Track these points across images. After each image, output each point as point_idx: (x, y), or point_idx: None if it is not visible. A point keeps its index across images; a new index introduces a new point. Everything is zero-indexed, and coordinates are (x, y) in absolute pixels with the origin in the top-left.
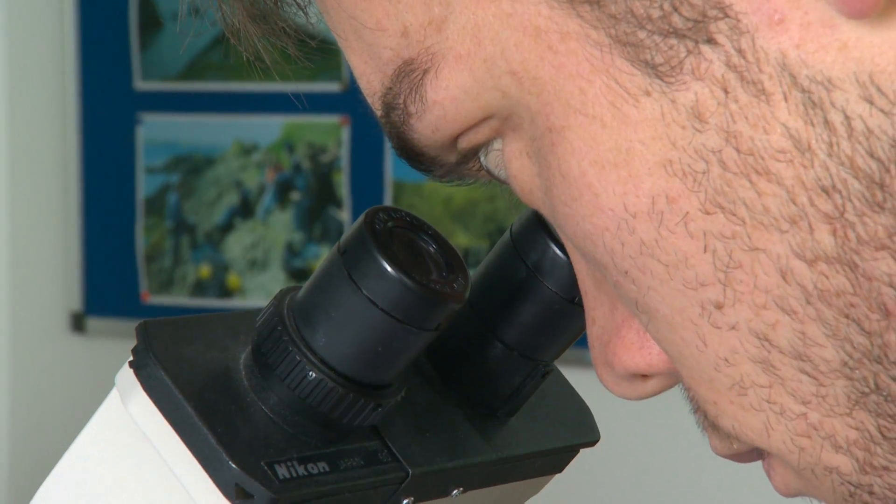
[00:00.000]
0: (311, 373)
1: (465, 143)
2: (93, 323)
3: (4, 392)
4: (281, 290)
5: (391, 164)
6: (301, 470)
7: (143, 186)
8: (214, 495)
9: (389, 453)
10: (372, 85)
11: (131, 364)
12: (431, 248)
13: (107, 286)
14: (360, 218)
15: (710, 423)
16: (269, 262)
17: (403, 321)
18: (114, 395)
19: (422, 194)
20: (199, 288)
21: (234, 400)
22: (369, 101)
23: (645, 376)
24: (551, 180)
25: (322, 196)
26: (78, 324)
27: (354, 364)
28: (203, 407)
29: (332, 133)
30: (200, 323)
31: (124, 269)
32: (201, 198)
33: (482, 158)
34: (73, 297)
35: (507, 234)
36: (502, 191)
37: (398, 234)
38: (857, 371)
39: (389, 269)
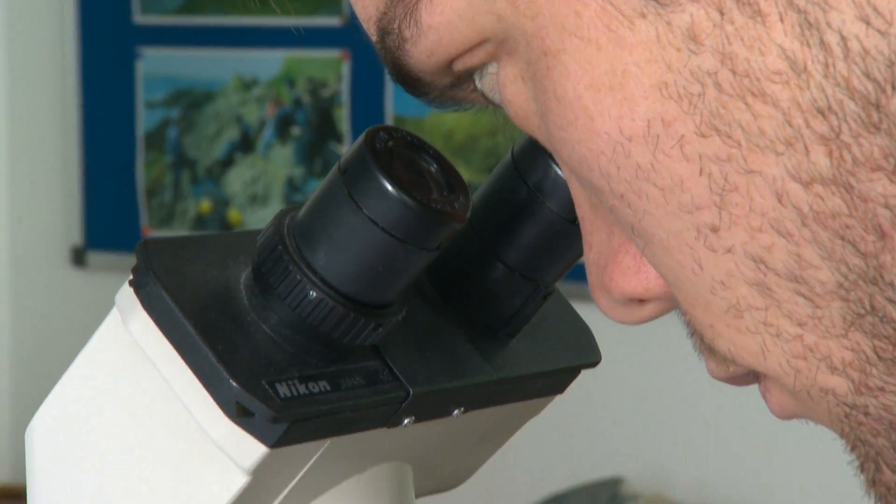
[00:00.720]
0: (311, 292)
1: (460, 66)
2: (93, 257)
3: (6, 328)
4: (281, 211)
5: (392, 99)
6: (302, 389)
7: (143, 121)
8: (215, 413)
9: (390, 373)
10: (367, 10)
11: (131, 283)
12: (432, 168)
13: (107, 221)
14: (361, 137)
15: (706, 347)
16: (270, 196)
17: (404, 240)
18: (114, 314)
19: (422, 129)
20: (200, 223)
21: (234, 319)
22: (364, 26)
23: (642, 301)
24: (546, 105)
25: (322, 131)
26: (78, 258)
27: (355, 283)
28: (203, 325)
29: (332, 67)
30: (200, 242)
31: (125, 204)
32: (201, 132)
33: (477, 82)
34: (73, 232)
35: (508, 155)
36: (496, 114)
37: (399, 153)
38: (852, 293)
39: (390, 188)
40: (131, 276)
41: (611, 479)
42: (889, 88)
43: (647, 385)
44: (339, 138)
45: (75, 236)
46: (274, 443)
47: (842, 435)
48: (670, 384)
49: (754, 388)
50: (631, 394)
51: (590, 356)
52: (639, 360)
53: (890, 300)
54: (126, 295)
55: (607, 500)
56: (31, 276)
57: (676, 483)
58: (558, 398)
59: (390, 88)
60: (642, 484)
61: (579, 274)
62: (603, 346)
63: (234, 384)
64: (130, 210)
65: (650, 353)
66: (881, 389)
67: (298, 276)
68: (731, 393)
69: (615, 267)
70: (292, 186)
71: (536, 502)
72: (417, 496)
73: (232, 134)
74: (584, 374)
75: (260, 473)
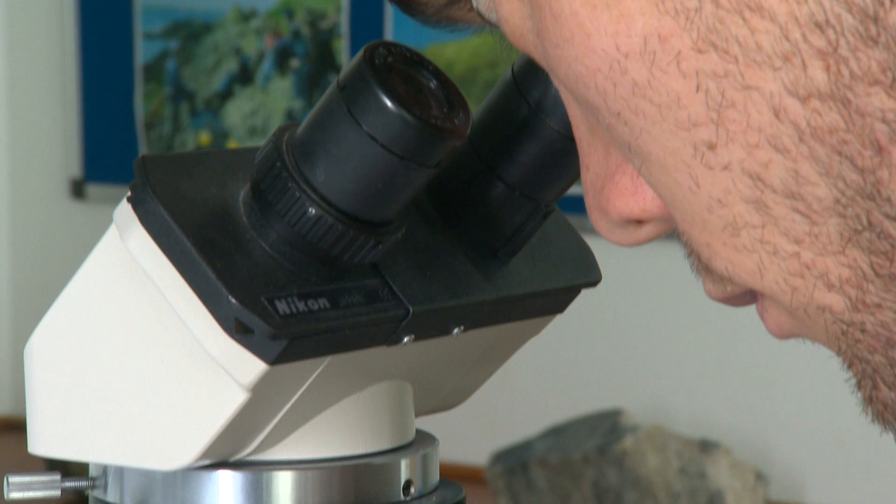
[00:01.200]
0: (310, 209)
1: None
2: (92, 190)
3: (6, 261)
4: (279, 128)
5: (391, 30)
6: (301, 306)
7: (142, 53)
8: (214, 330)
9: (390, 291)
10: None
11: (129, 199)
12: (432, 84)
13: (106, 153)
14: (360, 53)
15: (703, 266)
16: (269, 129)
17: (403, 157)
18: (111, 231)
19: None
20: None
21: (232, 236)
22: None
23: (639, 222)
24: (542, 22)
25: (322, 63)
26: (78, 190)
27: (354, 200)
28: (202, 242)
29: None
30: (199, 159)
31: (123, 136)
32: (200, 64)
33: (473, 1)
34: (72, 164)
35: (508, 73)
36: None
37: (398, 69)
38: (849, 209)
39: (389, 103)
40: (129, 193)
41: (611, 410)
42: (888, 1)
43: (647, 319)
44: (338, 70)
45: (74, 168)
46: (273, 360)
47: (839, 353)
48: (670, 318)
49: (754, 320)
50: (630, 327)
51: (590, 275)
52: (638, 295)
53: (887, 216)
54: (124, 211)
55: (607, 432)
56: (30, 208)
57: (676, 414)
58: (558, 333)
59: (390, 19)
60: (642, 415)
61: (579, 207)
62: (604, 280)
63: (233, 300)
64: (129, 142)
65: (650, 287)
66: (878, 306)
67: (297, 193)
68: (730, 326)
69: (612, 188)
70: (291, 119)
71: (537, 434)
72: (417, 416)
73: (230, 66)
74: (585, 307)
75: (259, 390)
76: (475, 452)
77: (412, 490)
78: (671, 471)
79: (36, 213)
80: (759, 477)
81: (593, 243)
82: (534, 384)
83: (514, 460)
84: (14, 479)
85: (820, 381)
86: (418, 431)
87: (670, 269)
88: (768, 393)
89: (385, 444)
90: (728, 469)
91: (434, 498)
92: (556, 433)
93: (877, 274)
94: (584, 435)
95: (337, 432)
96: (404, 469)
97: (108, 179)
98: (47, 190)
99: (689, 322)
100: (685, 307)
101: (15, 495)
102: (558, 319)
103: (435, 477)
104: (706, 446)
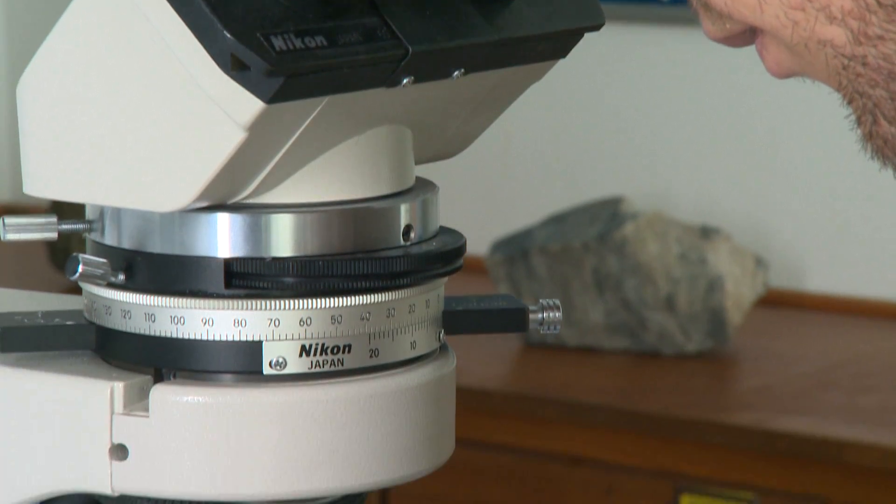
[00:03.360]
0: None
1: None
2: None
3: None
4: None
5: None
6: (298, 42)
7: None
8: (210, 67)
9: (389, 30)
10: None
11: None
12: None
13: None
14: None
15: (702, 3)
16: None
17: None
18: None
19: None
20: None
21: None
22: None
23: None
24: None
25: None
26: None
27: None
28: None
29: None
30: None
31: None
32: None
33: None
34: None
35: None
36: None
37: None
38: None
39: None
40: None
41: (611, 198)
42: None
43: (648, 105)
44: None
45: None
46: (270, 97)
47: (839, 89)
48: (671, 104)
49: (757, 105)
50: (631, 112)
51: (593, 18)
52: (639, 81)
53: None
54: None
55: (607, 219)
56: None
57: (676, 201)
58: (558, 120)
59: None
60: (642, 202)
61: None
62: (603, 66)
63: (228, 35)
64: None
65: (650, 72)
66: (881, 38)
67: None
68: (732, 112)
69: None
70: None
71: (538, 222)
72: (417, 163)
73: None
74: (585, 93)
75: (257, 130)
76: (475, 242)
77: (412, 235)
78: (671, 257)
79: None
80: (759, 262)
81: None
82: (534, 172)
83: (515, 248)
84: (10, 220)
85: (821, 166)
86: (418, 179)
87: (673, 54)
88: (770, 179)
89: (384, 189)
90: (728, 255)
91: (434, 243)
92: (557, 221)
93: (880, 4)
94: (585, 222)
95: (336, 176)
96: (404, 214)
97: None
98: None
99: (690, 108)
100: (687, 93)
101: (11, 236)
102: (558, 106)
103: (435, 223)
104: (706, 232)
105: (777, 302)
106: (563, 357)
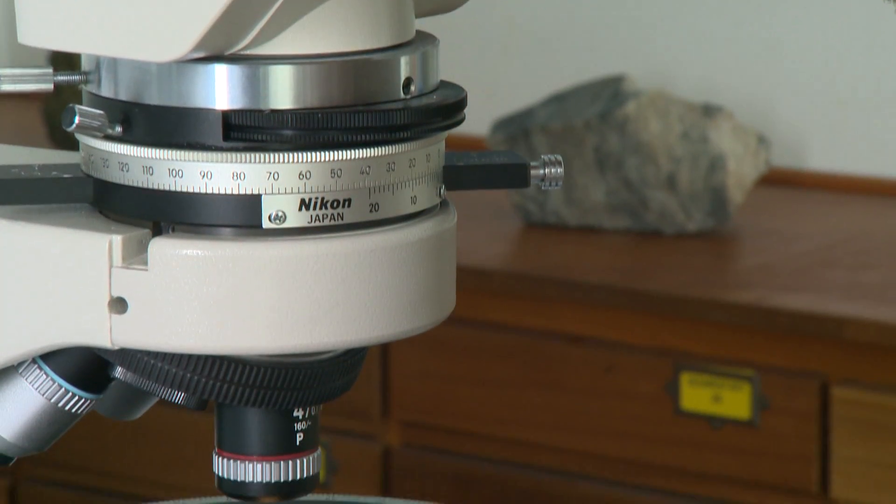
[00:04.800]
0: None
1: None
2: None
3: None
4: None
5: None
6: None
7: None
8: None
9: None
10: None
11: None
12: None
13: None
14: None
15: None
16: None
17: None
18: None
19: None
20: None
21: None
22: None
23: None
24: None
25: None
26: None
27: None
28: None
29: None
30: None
31: None
32: None
33: None
34: None
35: None
36: None
37: None
38: None
39: None
40: None
41: (613, 76)
42: None
43: None
44: None
45: None
46: None
47: None
48: None
49: None
50: None
51: None
52: None
53: None
54: None
55: (609, 98)
56: None
57: (679, 79)
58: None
59: None
60: (644, 81)
61: None
62: None
63: None
64: None
65: None
66: None
67: None
68: None
69: None
70: None
71: (539, 101)
72: (418, 16)
73: None
74: None
75: None
76: (476, 122)
77: (412, 88)
78: (673, 136)
79: None
80: (762, 140)
81: None
82: (535, 52)
83: (516, 128)
84: (6, 71)
85: (824, 44)
86: (418, 32)
87: None
88: (772, 55)
89: (384, 42)
90: (730, 133)
91: (434, 96)
92: (558, 100)
93: None
94: (586, 101)
95: (335, 27)
96: (404, 66)
97: None
98: None
99: None
100: None
101: (7, 87)
102: None
103: (436, 77)
104: (709, 110)
105: (779, 180)
106: (564, 236)
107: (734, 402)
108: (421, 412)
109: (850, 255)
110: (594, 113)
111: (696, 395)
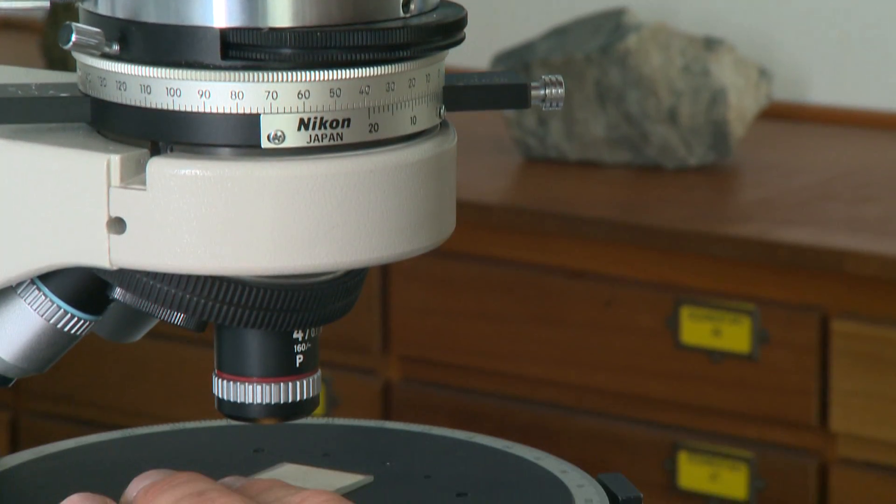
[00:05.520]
0: None
1: None
2: None
3: None
4: None
5: None
6: None
7: None
8: None
9: None
10: None
11: None
12: None
13: None
14: None
15: None
16: None
17: None
18: None
19: None
20: None
21: None
22: None
23: None
24: None
25: None
26: None
27: None
28: None
29: None
30: None
31: None
32: None
33: None
34: None
35: None
36: None
37: None
38: None
39: None
40: None
41: (614, 9)
42: None
43: None
44: None
45: None
46: None
47: None
48: None
49: None
50: None
51: None
52: None
53: None
54: None
55: (610, 31)
56: None
57: (680, 12)
58: None
59: None
60: (646, 14)
61: None
62: None
63: None
64: None
65: None
66: None
67: None
68: None
69: None
70: None
71: (539, 35)
72: None
73: None
74: None
75: None
76: (476, 55)
77: (412, 7)
78: (674, 69)
79: None
80: (763, 74)
81: None
82: None
83: (516, 61)
84: None
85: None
86: None
87: None
88: None
89: None
90: (732, 66)
91: (434, 15)
92: (559, 33)
93: None
94: (587, 35)
95: None
96: None
97: None
98: None
99: None
100: None
101: (4, 5)
102: None
103: None
104: (710, 43)
105: (780, 114)
106: (564, 171)
107: (734, 335)
108: (421, 347)
109: (850, 188)
110: (595, 46)
111: (696, 329)
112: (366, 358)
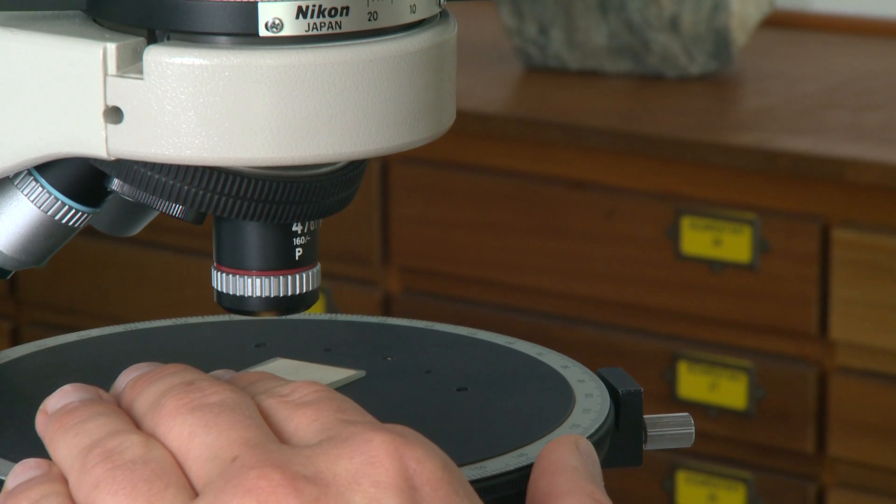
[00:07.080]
0: None
1: None
2: None
3: None
4: None
5: None
6: None
7: None
8: None
9: None
10: None
11: None
12: None
13: None
14: None
15: None
16: None
17: None
18: None
19: None
20: None
21: None
22: None
23: None
24: None
25: None
26: None
27: None
28: None
29: None
30: None
31: None
32: None
33: None
34: None
35: None
36: None
37: None
38: None
39: None
40: None
41: None
42: None
43: None
44: None
45: None
46: None
47: None
48: None
49: None
50: None
51: None
52: None
53: None
54: None
55: None
56: None
57: None
58: None
59: None
60: None
61: None
62: None
63: None
64: None
65: None
66: None
67: None
68: None
69: None
70: None
71: None
72: None
73: None
74: None
75: None
76: None
77: None
78: None
79: None
80: None
81: None
82: None
83: None
84: None
85: None
86: None
87: None
88: None
89: None
90: None
91: None
92: None
93: None
94: None
95: None
96: None
97: None
98: None
99: None
100: None
101: None
102: None
103: None
104: None
105: (782, 22)
106: (566, 80)
107: (735, 245)
108: (420, 258)
109: (852, 96)
110: None
111: (697, 239)
112: (366, 269)
